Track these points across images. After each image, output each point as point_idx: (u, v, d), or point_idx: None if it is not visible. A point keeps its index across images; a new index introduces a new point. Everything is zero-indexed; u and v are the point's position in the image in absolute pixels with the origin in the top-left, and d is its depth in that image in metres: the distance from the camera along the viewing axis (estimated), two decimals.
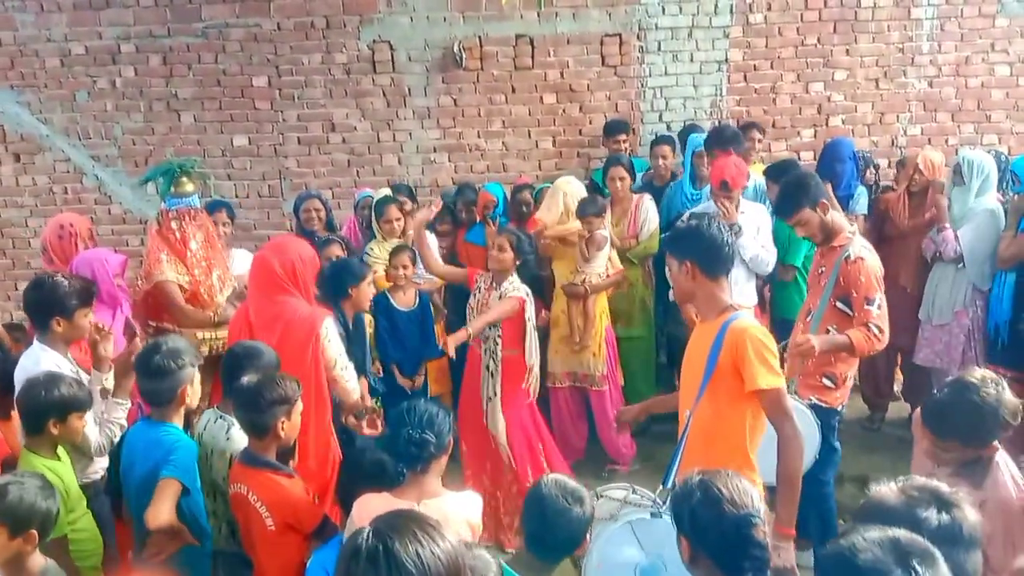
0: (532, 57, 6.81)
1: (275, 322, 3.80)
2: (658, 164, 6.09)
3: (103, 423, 3.46)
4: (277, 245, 4.13)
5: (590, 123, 6.89)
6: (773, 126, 6.84)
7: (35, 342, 3.53)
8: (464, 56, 6.72)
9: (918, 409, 3.00)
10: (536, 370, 4.80)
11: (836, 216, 4.11)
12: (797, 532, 3.01)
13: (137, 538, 3.14)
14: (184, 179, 4.58)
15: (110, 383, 3.56)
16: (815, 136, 6.94)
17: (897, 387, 6.04)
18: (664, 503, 2.90)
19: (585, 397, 5.43)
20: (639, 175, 6.12)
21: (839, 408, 4.14)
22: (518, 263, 4.69)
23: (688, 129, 6.42)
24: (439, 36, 6.75)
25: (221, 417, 3.37)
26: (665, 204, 5.83)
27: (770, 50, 6.87)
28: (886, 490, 1.96)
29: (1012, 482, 2.72)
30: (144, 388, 3.22)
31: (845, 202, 5.51)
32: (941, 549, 1.80)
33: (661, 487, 3.06)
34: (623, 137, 6.43)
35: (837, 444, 4.23)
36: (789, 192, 4.08)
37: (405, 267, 5.10)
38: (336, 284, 4.36)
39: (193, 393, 3.24)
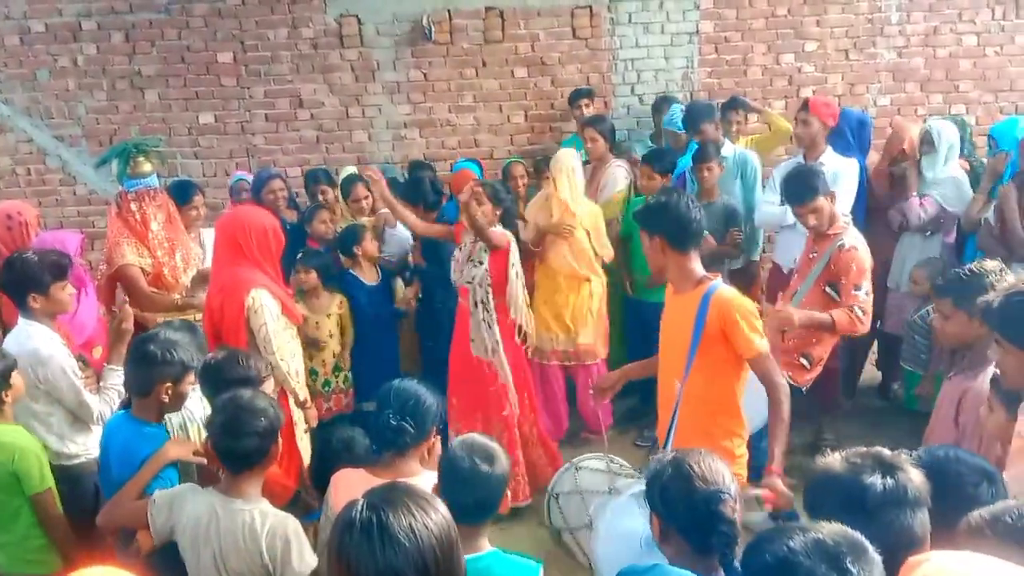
0: (502, 30, 6.74)
1: (218, 294, 3.82)
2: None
3: (101, 390, 3.52)
4: (233, 215, 4.20)
5: (561, 96, 6.82)
6: (744, 97, 6.84)
7: (20, 319, 3.53)
8: (433, 29, 6.64)
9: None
10: (523, 322, 4.79)
11: (835, 206, 4.26)
12: None
13: (121, 533, 3.10)
14: (141, 159, 4.50)
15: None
16: (786, 108, 6.92)
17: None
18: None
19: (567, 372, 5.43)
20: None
21: (803, 389, 4.27)
22: (499, 213, 4.70)
23: (661, 100, 6.40)
24: (407, 9, 6.66)
25: None
26: None
27: (741, 21, 6.86)
28: (831, 460, 2.00)
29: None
30: (127, 373, 3.17)
31: None
32: (888, 512, 1.86)
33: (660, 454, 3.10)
34: (585, 102, 6.37)
35: None
36: (805, 180, 4.21)
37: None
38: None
39: (175, 394, 3.07)
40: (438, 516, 1.65)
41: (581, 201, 5.18)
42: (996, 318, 2.65)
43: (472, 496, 2.37)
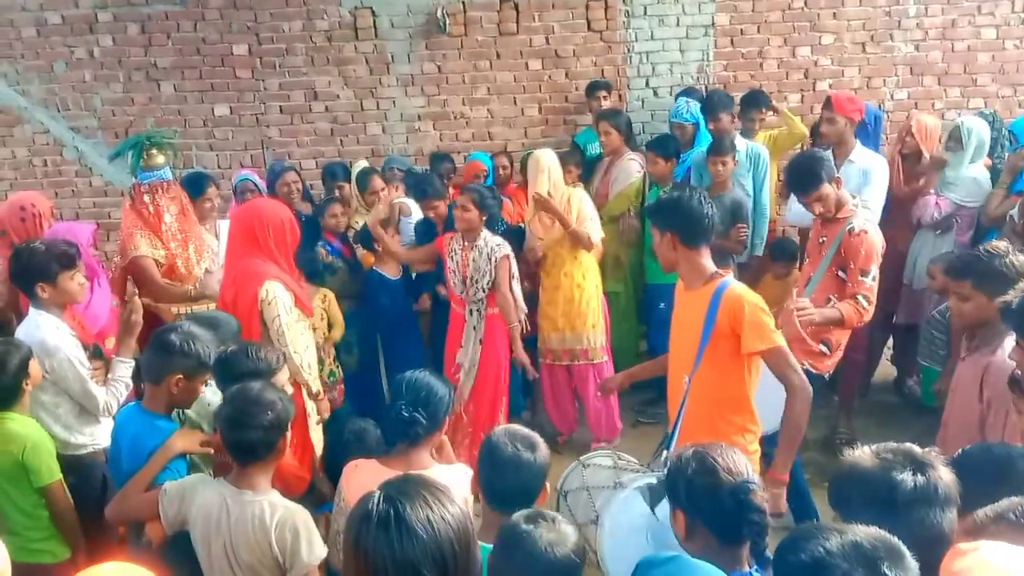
0: (517, 22, 6.72)
1: (232, 286, 3.83)
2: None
3: (109, 383, 3.51)
4: (249, 207, 4.19)
5: (576, 89, 6.81)
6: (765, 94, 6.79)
7: (31, 309, 3.54)
8: (448, 21, 6.62)
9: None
10: (518, 331, 4.83)
11: (843, 189, 4.18)
12: None
13: (132, 524, 3.13)
14: (154, 151, 4.51)
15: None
16: (802, 101, 6.91)
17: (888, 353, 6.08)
18: (667, 467, 2.93)
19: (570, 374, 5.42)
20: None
21: (826, 376, 4.21)
22: (485, 219, 4.75)
23: (681, 94, 6.36)
24: (422, 1, 6.65)
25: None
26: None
27: (757, 14, 6.81)
28: (860, 454, 1.97)
29: None
30: (143, 359, 3.16)
31: None
32: (918, 510, 1.84)
33: (664, 451, 3.10)
34: (603, 94, 6.36)
35: None
36: (808, 168, 4.12)
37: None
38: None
39: (185, 388, 3.04)
40: (455, 508, 1.64)
41: (559, 191, 5.19)
42: (1016, 319, 2.61)
43: (512, 483, 2.37)
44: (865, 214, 4.16)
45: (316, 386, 4.06)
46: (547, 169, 5.15)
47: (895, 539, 1.62)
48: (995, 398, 3.01)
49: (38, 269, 3.47)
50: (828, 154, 4.36)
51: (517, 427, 2.53)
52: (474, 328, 4.79)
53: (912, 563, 1.59)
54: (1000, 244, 3.23)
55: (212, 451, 2.99)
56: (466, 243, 4.78)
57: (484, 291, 4.74)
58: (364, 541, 1.58)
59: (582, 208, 5.16)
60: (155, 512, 2.72)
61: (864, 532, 1.62)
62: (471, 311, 4.76)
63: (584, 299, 5.21)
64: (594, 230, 5.18)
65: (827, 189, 4.04)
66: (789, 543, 1.69)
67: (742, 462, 2.13)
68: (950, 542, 1.85)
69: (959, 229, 5.19)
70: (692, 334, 3.19)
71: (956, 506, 1.88)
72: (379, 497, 1.62)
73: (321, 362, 5.05)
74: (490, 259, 4.70)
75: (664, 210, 3.26)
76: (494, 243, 4.75)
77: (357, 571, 1.59)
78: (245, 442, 2.60)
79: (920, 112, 6.16)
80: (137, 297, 3.79)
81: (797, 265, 5.35)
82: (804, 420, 3.14)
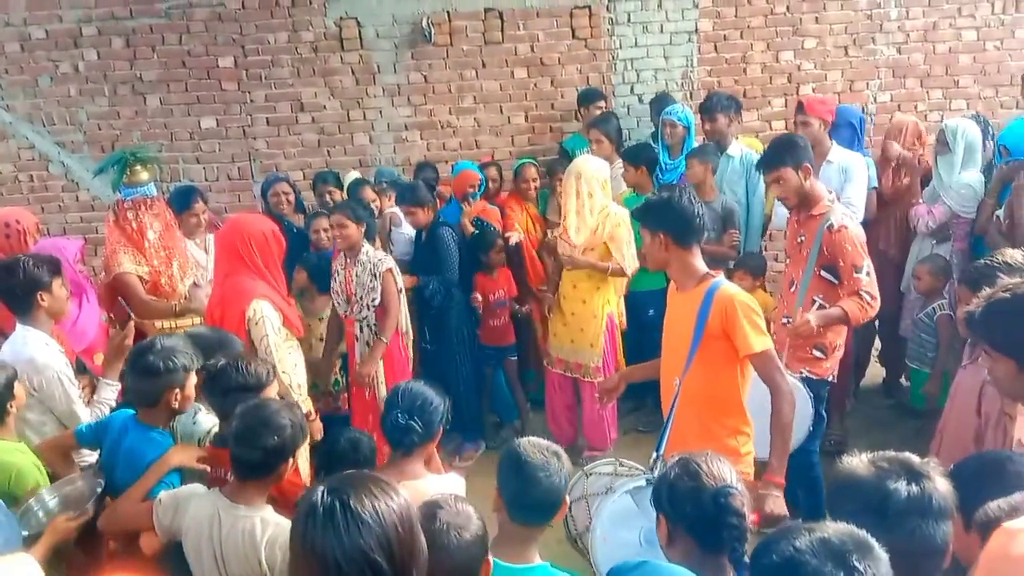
0: (502, 31, 6.74)
1: (219, 305, 3.81)
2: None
3: (93, 404, 3.49)
4: (233, 224, 4.15)
5: (562, 97, 6.85)
6: (744, 96, 6.81)
7: (18, 326, 3.50)
8: (433, 31, 6.64)
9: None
10: (409, 333, 4.86)
11: (816, 183, 4.09)
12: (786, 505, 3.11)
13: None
14: (138, 167, 4.48)
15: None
16: (786, 105, 6.94)
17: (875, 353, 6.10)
18: (657, 470, 2.94)
19: (576, 383, 5.38)
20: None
21: (828, 378, 4.17)
22: (364, 231, 4.69)
23: (659, 99, 6.39)
24: (407, 11, 6.67)
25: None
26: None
27: (740, 19, 6.85)
28: (856, 462, 1.96)
29: None
30: (132, 387, 3.15)
31: None
32: (911, 520, 1.82)
33: (654, 453, 3.11)
34: (602, 104, 6.37)
35: (824, 413, 4.28)
36: (775, 147, 4.09)
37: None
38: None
39: (183, 398, 3.07)
40: (400, 498, 1.65)
41: (588, 216, 5.01)
42: (981, 328, 2.57)
43: (541, 492, 2.33)
44: (842, 209, 4.12)
45: (306, 407, 3.99)
46: (582, 183, 4.99)
47: (863, 533, 1.63)
48: (993, 413, 3.00)
49: (34, 280, 3.45)
50: (805, 141, 4.21)
51: (535, 438, 2.48)
52: (368, 344, 4.73)
53: (882, 554, 1.60)
54: (1017, 255, 3.20)
55: (208, 468, 2.99)
56: (348, 261, 4.71)
57: (369, 308, 4.67)
58: (311, 535, 1.57)
59: (616, 231, 4.99)
60: (148, 523, 2.73)
61: (833, 528, 1.64)
62: (361, 328, 4.72)
63: (586, 316, 5.15)
64: (628, 256, 5.02)
65: (789, 173, 3.95)
66: (761, 547, 1.70)
67: (726, 470, 2.14)
68: (943, 554, 1.85)
69: (957, 237, 5.14)
70: (683, 336, 3.19)
71: (951, 519, 1.86)
72: (323, 491, 1.62)
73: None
74: (374, 274, 4.63)
75: (655, 211, 3.26)
76: (376, 258, 4.68)
77: (307, 569, 1.59)
78: (246, 459, 2.60)
79: (908, 116, 6.18)
80: (132, 322, 3.76)
81: (760, 281, 5.34)
82: (791, 421, 3.15)
